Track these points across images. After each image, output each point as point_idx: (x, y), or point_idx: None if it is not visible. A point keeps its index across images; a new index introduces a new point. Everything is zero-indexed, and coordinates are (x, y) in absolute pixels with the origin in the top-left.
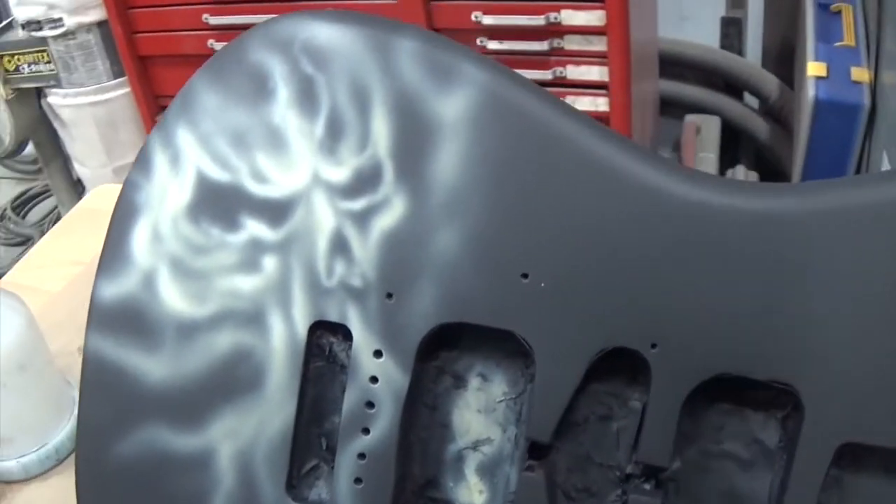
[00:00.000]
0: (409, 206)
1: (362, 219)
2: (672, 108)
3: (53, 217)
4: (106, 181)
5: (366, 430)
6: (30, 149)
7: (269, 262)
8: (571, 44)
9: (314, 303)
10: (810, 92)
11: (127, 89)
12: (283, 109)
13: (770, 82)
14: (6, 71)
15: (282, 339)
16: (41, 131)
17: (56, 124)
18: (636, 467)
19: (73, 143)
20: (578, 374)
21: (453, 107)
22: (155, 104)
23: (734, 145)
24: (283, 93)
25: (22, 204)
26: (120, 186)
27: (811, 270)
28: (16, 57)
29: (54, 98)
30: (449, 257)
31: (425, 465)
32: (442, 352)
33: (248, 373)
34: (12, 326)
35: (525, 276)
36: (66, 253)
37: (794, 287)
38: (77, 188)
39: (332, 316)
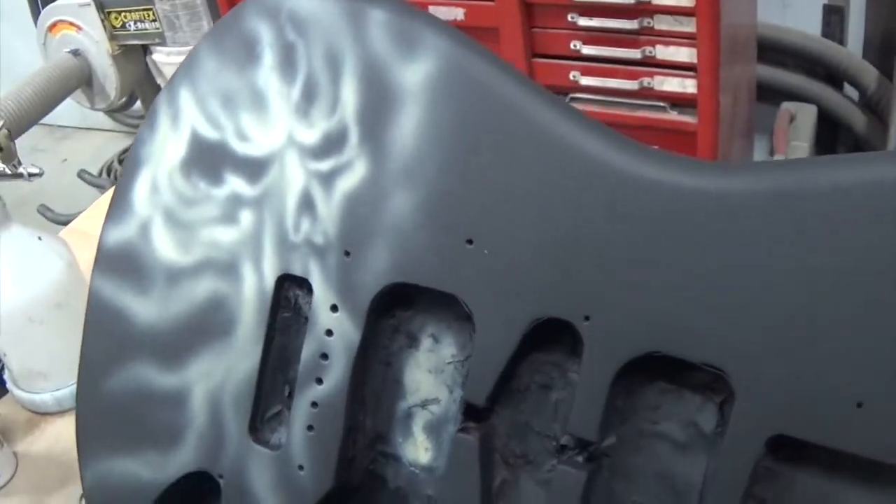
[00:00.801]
0: (370, 169)
1: (328, 179)
2: (771, 95)
3: None
4: None
5: (319, 380)
6: (139, 104)
7: (246, 216)
8: (661, 23)
9: (282, 256)
10: None
11: None
12: (267, 73)
13: (869, 73)
14: (113, 27)
15: (252, 289)
16: (146, 87)
17: (160, 81)
18: (569, 439)
19: None
20: (514, 341)
21: (415, 75)
22: None
23: (832, 136)
24: (268, 57)
25: None
26: None
27: (750, 256)
28: (122, 14)
29: (159, 55)
30: (402, 220)
31: (377, 419)
32: (397, 310)
33: (222, 319)
34: (53, 268)
35: (470, 241)
36: None
37: (732, 271)
38: None
39: (297, 270)
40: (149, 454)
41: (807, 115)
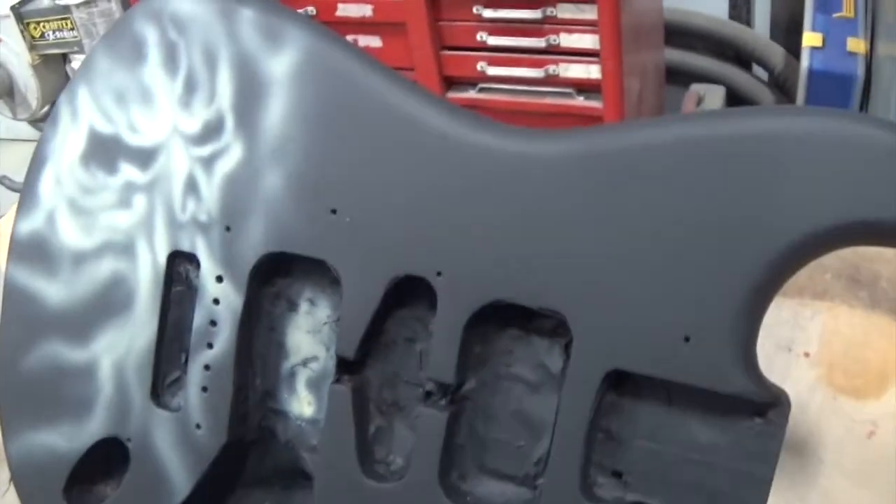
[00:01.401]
0: (245, 151)
1: (208, 163)
2: (681, 77)
3: None
4: None
5: (210, 345)
6: None
7: (139, 201)
8: (564, 12)
9: (171, 235)
10: (805, 62)
11: None
12: (153, 71)
13: (776, 53)
14: (32, 38)
15: (147, 266)
16: None
17: None
18: (433, 385)
19: None
20: (377, 298)
21: (281, 66)
22: None
23: None
24: (154, 56)
25: None
26: None
27: (577, 208)
28: (41, 24)
29: (78, 63)
30: (273, 195)
31: (265, 378)
32: (278, 279)
33: (122, 295)
34: None
35: (334, 211)
36: None
37: (562, 224)
38: None
39: (185, 246)
40: (64, 425)
41: (715, 96)
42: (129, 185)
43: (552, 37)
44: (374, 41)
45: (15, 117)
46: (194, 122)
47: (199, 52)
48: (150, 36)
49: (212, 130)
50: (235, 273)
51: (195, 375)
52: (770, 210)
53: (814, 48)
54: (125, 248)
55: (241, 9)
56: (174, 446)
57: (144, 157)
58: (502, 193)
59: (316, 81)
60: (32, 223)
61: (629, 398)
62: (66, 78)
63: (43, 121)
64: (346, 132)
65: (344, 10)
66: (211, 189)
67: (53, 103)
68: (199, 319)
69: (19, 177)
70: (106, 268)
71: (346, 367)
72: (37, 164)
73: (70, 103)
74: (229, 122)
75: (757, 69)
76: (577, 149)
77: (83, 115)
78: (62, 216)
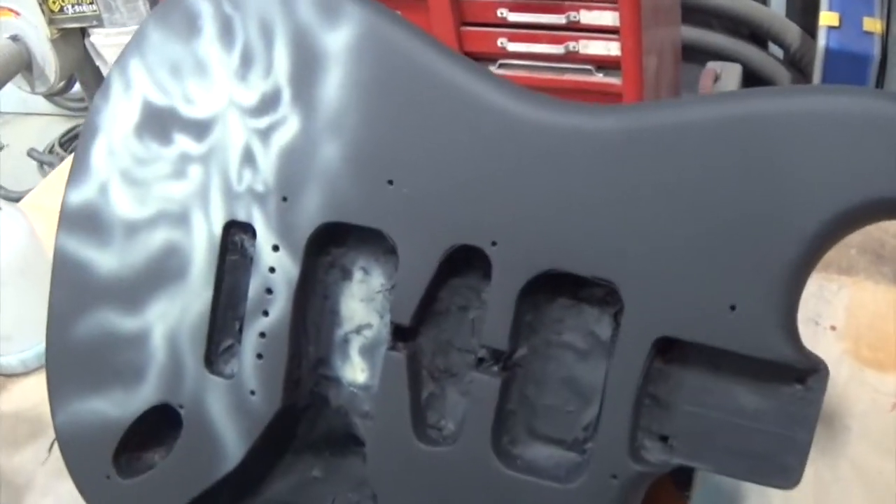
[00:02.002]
0: (302, 123)
1: (265, 135)
2: (696, 55)
3: None
4: None
5: (265, 313)
6: (78, 87)
7: (194, 171)
8: None
9: (227, 205)
10: (821, 41)
11: None
12: (208, 44)
13: (792, 31)
14: (51, 11)
15: (202, 235)
16: (86, 70)
17: (99, 63)
18: (485, 352)
19: None
20: (432, 267)
21: (337, 40)
22: None
23: None
24: (209, 29)
25: (70, 140)
26: None
27: (627, 181)
28: None
29: (97, 37)
30: (331, 166)
31: (318, 346)
32: (332, 248)
33: (176, 264)
34: (14, 236)
35: (391, 182)
36: None
37: (614, 195)
38: None
39: (241, 216)
40: (115, 392)
41: (731, 74)
42: (183, 156)
43: (572, 13)
44: None
45: (33, 91)
46: (251, 94)
47: (255, 26)
48: (205, 10)
49: (269, 102)
50: (291, 242)
51: (250, 342)
52: (805, 187)
53: (830, 27)
54: (180, 219)
55: None
56: (228, 412)
57: (200, 129)
58: (557, 166)
59: (373, 56)
60: (84, 193)
61: (676, 365)
62: (85, 52)
63: (59, 94)
64: (403, 106)
65: None
66: (268, 160)
67: (71, 78)
68: (254, 287)
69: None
70: (159, 237)
71: (400, 334)
72: (88, 135)
73: (122, 75)
74: (286, 95)
75: (773, 47)
76: (628, 123)
77: (136, 86)
78: (115, 187)
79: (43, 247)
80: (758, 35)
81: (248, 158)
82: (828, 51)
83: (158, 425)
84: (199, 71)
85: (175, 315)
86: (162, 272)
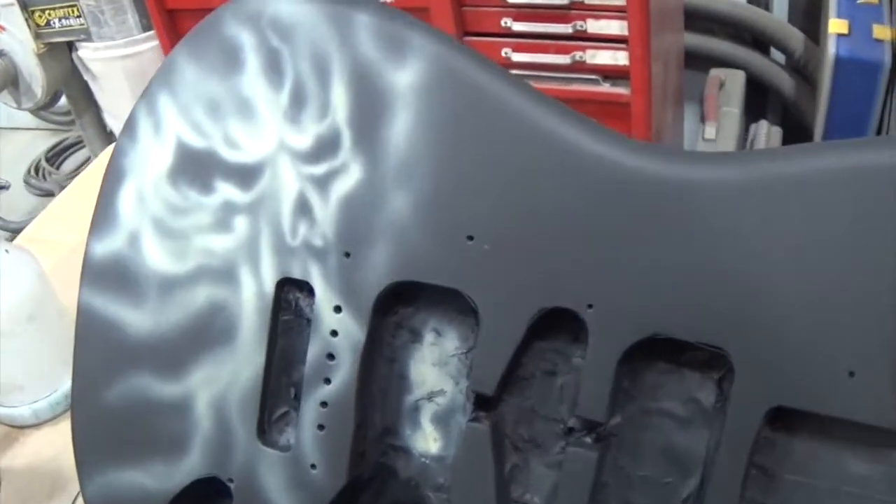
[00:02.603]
0: (365, 171)
1: (323, 183)
2: (698, 62)
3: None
4: None
5: (327, 380)
6: (63, 101)
7: (240, 223)
8: None
9: (280, 261)
10: (831, 49)
11: (156, 42)
12: (252, 80)
13: (796, 38)
14: (37, 25)
15: (251, 294)
16: (73, 84)
17: (87, 77)
18: (577, 421)
19: (103, 95)
20: (520, 332)
21: (406, 78)
22: None
23: (761, 100)
24: (253, 64)
25: (56, 154)
26: None
27: (743, 239)
28: (46, 11)
29: (85, 51)
30: (401, 219)
31: (385, 413)
32: (400, 308)
33: (222, 325)
34: (22, 280)
35: (471, 238)
36: (85, 206)
37: (727, 254)
38: (111, 139)
39: (296, 273)
40: (154, 463)
41: (736, 81)
42: (227, 206)
43: (579, 23)
44: None
45: (20, 107)
46: (304, 137)
47: (307, 61)
48: (247, 41)
49: (326, 147)
50: (356, 303)
51: (310, 412)
52: None
53: (840, 35)
54: (224, 275)
55: (356, 14)
56: (285, 488)
57: (246, 175)
58: (661, 221)
59: (446, 95)
60: (111, 245)
61: (783, 433)
62: (72, 66)
63: (45, 108)
64: (484, 152)
65: None
66: (326, 211)
67: (56, 92)
68: (314, 353)
69: (22, 166)
70: (201, 295)
71: (482, 402)
72: (114, 180)
73: (150, 113)
74: (346, 139)
75: (775, 53)
76: (740, 175)
77: (168, 126)
78: (147, 238)
79: (53, 289)
80: (760, 41)
81: (304, 209)
82: (838, 59)
83: (204, 499)
84: (242, 111)
85: (222, 380)
86: (206, 333)
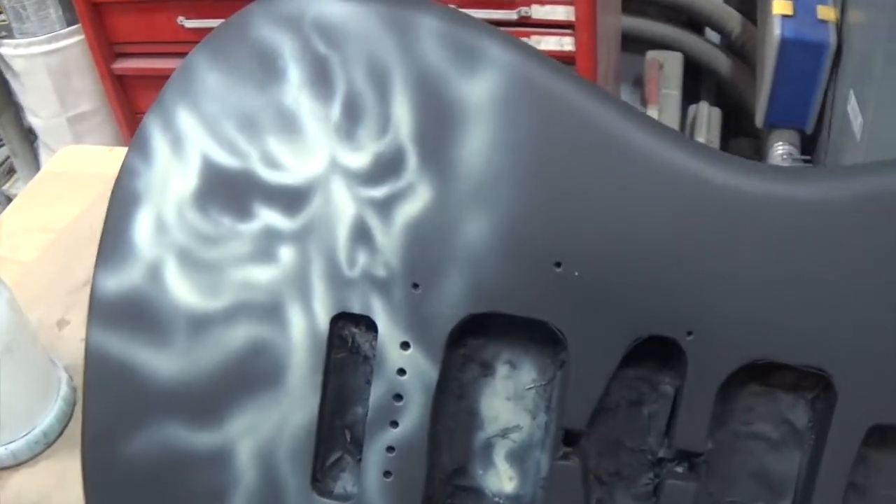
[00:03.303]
0: (435, 193)
1: (385, 206)
2: (634, 44)
3: (6, 168)
4: (60, 130)
5: (394, 423)
6: None
7: (286, 253)
8: None
9: (336, 294)
10: (776, 31)
11: (80, 37)
12: (295, 91)
13: (733, 18)
14: None
15: (302, 331)
16: None
17: (8, 75)
18: (669, 451)
19: (25, 92)
20: (613, 363)
21: (479, 90)
22: (109, 51)
23: (695, 82)
24: (295, 73)
25: None
26: (85, 147)
27: (845, 257)
28: None
29: (6, 48)
30: (478, 246)
31: (453, 453)
32: (469, 339)
33: (267, 367)
34: None
35: (558, 264)
36: (35, 220)
37: (828, 274)
38: (30, 137)
39: (356, 307)
40: None
41: (674, 63)
42: (270, 234)
43: (524, 8)
44: None
45: None
46: (361, 156)
47: (362, 71)
48: (286, 47)
49: (387, 167)
50: (428, 339)
51: (374, 458)
52: None
53: (784, 16)
54: (268, 311)
55: (420, 18)
56: None
57: (292, 199)
58: (762, 241)
59: (526, 110)
60: (126, 279)
61: (874, 448)
62: None
63: None
64: (569, 170)
65: None
66: (390, 238)
67: None
68: (378, 394)
69: None
70: (241, 335)
71: (568, 438)
72: (125, 205)
73: (167, 128)
74: (412, 157)
75: (709, 34)
76: (839, 193)
77: (192, 143)
78: (171, 271)
79: (26, 316)
80: (695, 22)
81: (363, 236)
82: (783, 40)
83: None
84: (284, 126)
85: (268, 427)
86: (247, 377)
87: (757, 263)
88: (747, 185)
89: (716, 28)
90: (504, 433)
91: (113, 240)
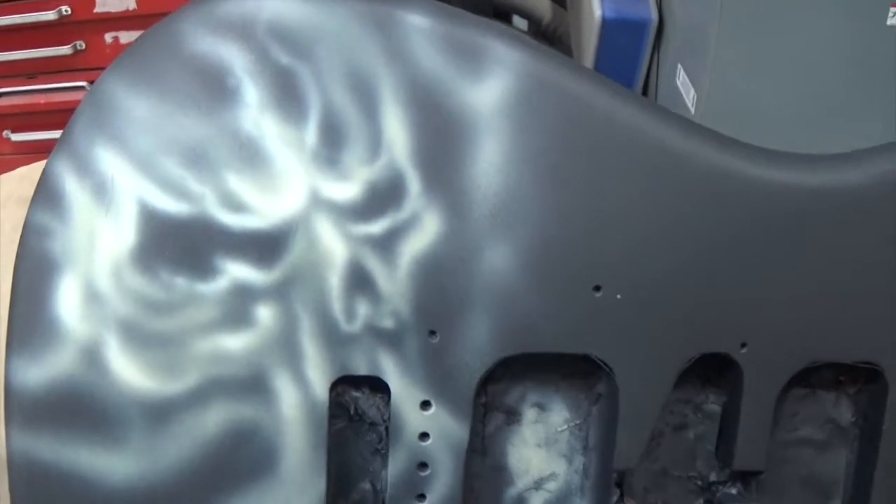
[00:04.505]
0: (446, 222)
1: (386, 244)
2: None
3: None
4: None
5: (421, 497)
6: None
7: (264, 313)
8: None
9: (334, 355)
10: (596, 12)
11: None
12: (255, 113)
13: (542, 4)
14: None
15: (294, 405)
16: None
17: None
18: (721, 474)
19: None
20: (666, 391)
21: (486, 96)
22: None
23: None
24: (252, 91)
25: None
26: None
27: (884, 244)
28: None
29: None
30: (502, 279)
31: None
32: (488, 386)
33: (254, 454)
34: None
35: (597, 288)
36: None
37: (874, 265)
38: None
39: (360, 368)
40: None
41: None
42: (240, 292)
43: None
44: (137, 36)
45: None
46: (349, 185)
47: (339, 82)
48: (235, 60)
49: (384, 196)
50: (452, 394)
51: None
52: None
53: None
54: (248, 386)
55: (406, 15)
56: None
57: (264, 247)
58: (806, 236)
59: (543, 115)
60: (51, 367)
61: None
62: None
63: None
64: (599, 178)
65: (103, 6)
66: (395, 281)
67: None
68: (398, 467)
69: None
70: (216, 419)
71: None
72: (37, 276)
73: (84, 174)
74: (413, 182)
75: (516, 20)
76: (871, 178)
77: (121, 189)
78: (113, 351)
79: None
80: (502, 12)
81: (361, 282)
82: (605, 20)
83: None
84: (245, 157)
85: None
86: (230, 470)
87: (803, 261)
88: (784, 176)
89: (524, 15)
90: (538, 485)
91: (27, 320)
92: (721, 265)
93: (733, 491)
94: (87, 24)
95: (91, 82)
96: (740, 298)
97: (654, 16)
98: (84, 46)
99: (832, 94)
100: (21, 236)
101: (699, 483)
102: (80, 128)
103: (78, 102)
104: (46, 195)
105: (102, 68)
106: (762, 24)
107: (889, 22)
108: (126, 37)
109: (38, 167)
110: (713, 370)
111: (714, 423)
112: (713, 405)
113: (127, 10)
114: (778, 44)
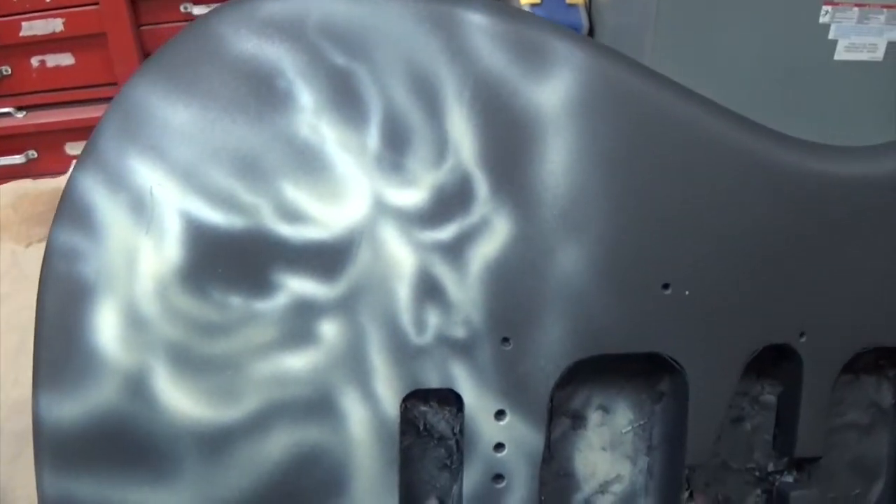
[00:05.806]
0: (516, 225)
1: (455, 250)
2: None
3: None
4: None
5: None
6: None
7: (329, 329)
8: None
9: (404, 369)
10: None
11: None
12: (311, 117)
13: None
14: None
15: (364, 423)
16: None
17: None
18: (780, 463)
19: None
20: (733, 384)
21: (552, 95)
22: None
23: None
24: (306, 94)
25: None
26: None
27: None
28: None
29: None
30: (575, 281)
31: None
32: (554, 392)
33: (322, 477)
34: None
35: (666, 286)
36: None
37: None
38: None
39: (432, 381)
40: None
41: None
42: (302, 308)
43: None
44: (65, 59)
45: None
46: (415, 191)
47: (400, 83)
48: (285, 61)
49: (452, 201)
50: (527, 401)
51: None
52: None
53: (534, 5)
54: (314, 407)
55: (466, 15)
56: None
57: (327, 259)
58: (856, 221)
59: (610, 114)
60: (91, 401)
61: None
62: None
63: None
64: (666, 179)
65: (30, 29)
66: (466, 289)
67: None
68: (473, 479)
69: None
70: (280, 444)
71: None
72: (68, 302)
73: (117, 189)
74: (481, 185)
75: None
76: None
77: (163, 203)
78: (162, 379)
79: None
80: None
81: (430, 291)
82: None
83: None
84: (302, 164)
85: None
86: (297, 497)
87: (856, 248)
88: (839, 169)
89: None
90: (603, 488)
91: (59, 352)
92: (782, 257)
93: (790, 479)
94: (12, 49)
95: (19, 108)
96: (799, 289)
97: (585, 22)
98: (10, 71)
99: (768, 93)
100: (44, 261)
101: (757, 474)
102: (108, 139)
103: (5, 129)
104: (73, 213)
105: (30, 93)
106: (697, 28)
107: (821, 20)
108: (53, 59)
109: None
110: (768, 362)
111: (770, 414)
112: (769, 395)
113: (53, 33)
114: (713, 46)
